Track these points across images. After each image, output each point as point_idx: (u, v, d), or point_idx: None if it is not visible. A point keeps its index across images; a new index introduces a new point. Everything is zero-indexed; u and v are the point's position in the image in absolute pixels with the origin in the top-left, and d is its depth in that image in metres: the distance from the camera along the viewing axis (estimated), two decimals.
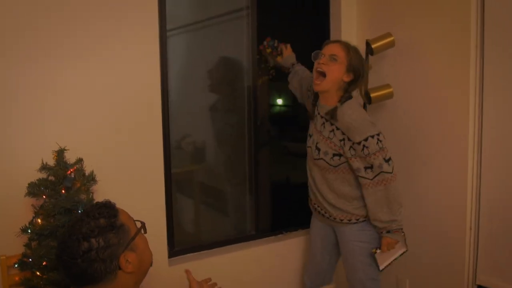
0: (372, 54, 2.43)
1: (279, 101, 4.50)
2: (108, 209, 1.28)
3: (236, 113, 2.91)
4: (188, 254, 2.60)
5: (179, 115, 2.79)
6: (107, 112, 2.18)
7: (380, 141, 2.09)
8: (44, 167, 1.85)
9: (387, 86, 2.53)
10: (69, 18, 2.04)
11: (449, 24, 2.34)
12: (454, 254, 2.43)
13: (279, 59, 2.65)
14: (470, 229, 2.36)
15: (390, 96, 2.54)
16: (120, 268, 1.22)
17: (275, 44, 2.61)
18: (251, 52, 2.71)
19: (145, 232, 1.34)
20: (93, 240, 1.19)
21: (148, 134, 2.29)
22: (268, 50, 2.63)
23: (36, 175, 1.84)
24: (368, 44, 2.46)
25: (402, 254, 2.32)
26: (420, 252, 2.58)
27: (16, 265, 1.84)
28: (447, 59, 2.37)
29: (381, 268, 2.26)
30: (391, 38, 2.47)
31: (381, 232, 2.20)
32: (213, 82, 2.86)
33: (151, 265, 1.35)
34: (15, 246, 1.85)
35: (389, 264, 2.29)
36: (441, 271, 2.51)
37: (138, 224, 1.32)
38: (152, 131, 2.30)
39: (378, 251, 2.22)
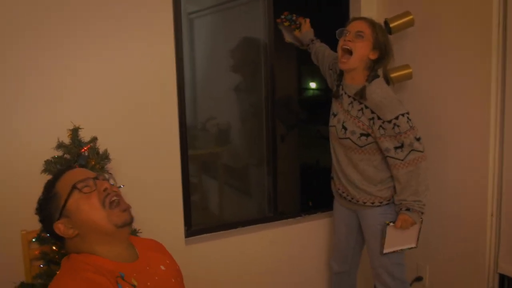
0: (390, 33, 2.36)
1: (313, 85, 4.44)
2: (50, 179, 1.29)
3: (254, 94, 2.90)
4: (205, 234, 2.62)
5: (202, 97, 2.82)
6: (122, 92, 2.22)
7: (410, 120, 2.06)
8: (59, 145, 1.91)
9: (406, 66, 2.46)
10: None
11: (470, 2, 2.24)
12: (475, 241, 2.35)
13: (297, 33, 2.56)
14: (492, 215, 2.28)
15: (409, 76, 2.46)
16: (60, 235, 1.22)
17: (294, 18, 2.53)
18: (268, 34, 2.68)
19: (83, 190, 1.20)
20: (39, 215, 1.28)
21: (163, 112, 2.31)
22: (286, 24, 2.55)
23: (52, 153, 1.90)
24: (386, 23, 2.39)
25: (409, 248, 2.26)
26: (441, 238, 2.52)
27: (34, 240, 1.92)
28: (467, 39, 2.27)
29: (384, 251, 2.21)
30: (410, 17, 2.38)
31: (401, 209, 2.15)
32: (232, 64, 2.86)
33: (121, 223, 1.21)
34: (34, 221, 1.92)
35: (393, 252, 2.24)
36: (462, 258, 2.44)
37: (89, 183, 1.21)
38: (167, 109, 2.32)
39: (391, 224, 2.17)
